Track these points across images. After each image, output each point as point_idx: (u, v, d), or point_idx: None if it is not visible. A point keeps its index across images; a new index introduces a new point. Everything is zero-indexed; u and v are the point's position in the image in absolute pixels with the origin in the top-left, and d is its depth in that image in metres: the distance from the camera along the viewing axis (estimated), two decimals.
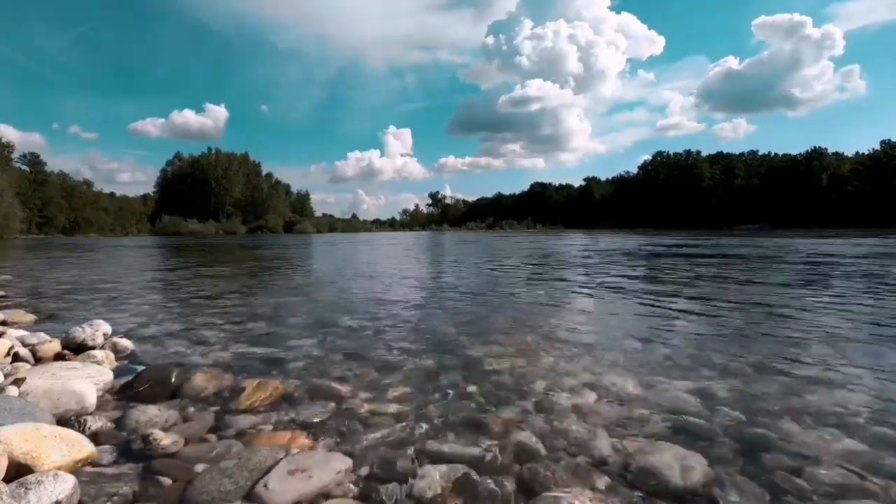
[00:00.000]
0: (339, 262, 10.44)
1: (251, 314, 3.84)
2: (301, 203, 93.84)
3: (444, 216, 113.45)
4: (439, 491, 1.24)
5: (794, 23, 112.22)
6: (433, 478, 1.28)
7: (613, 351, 2.60)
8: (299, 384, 2.04)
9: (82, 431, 1.50)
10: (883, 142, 60.52)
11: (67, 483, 1.14)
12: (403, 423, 1.64)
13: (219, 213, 77.38)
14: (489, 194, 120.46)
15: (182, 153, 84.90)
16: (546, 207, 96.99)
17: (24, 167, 59.42)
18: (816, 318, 3.39)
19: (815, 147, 65.94)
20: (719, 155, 78.12)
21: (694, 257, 9.83)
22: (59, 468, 1.22)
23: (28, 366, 2.15)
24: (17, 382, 1.76)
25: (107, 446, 1.46)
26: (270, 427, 1.63)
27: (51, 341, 2.48)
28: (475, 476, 1.31)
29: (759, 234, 29.13)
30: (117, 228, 65.21)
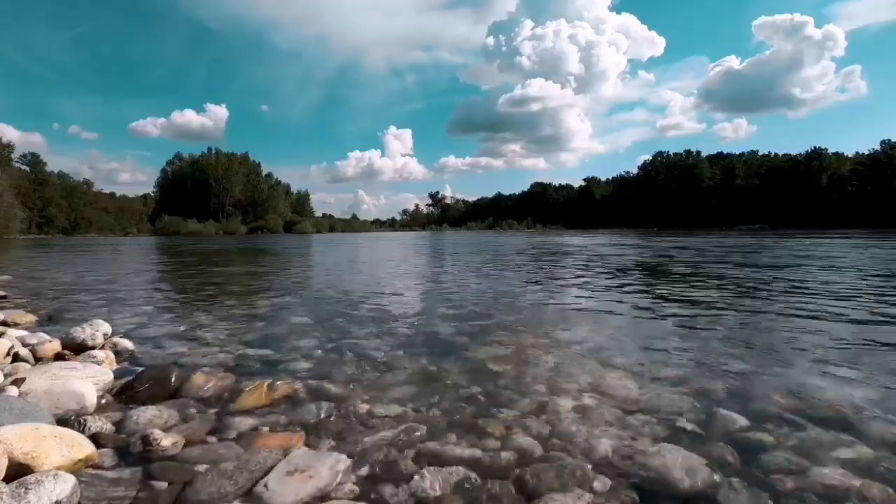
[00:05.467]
0: (340, 263, 10.43)
1: (251, 314, 3.84)
2: (301, 203, 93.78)
3: (444, 216, 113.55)
4: (439, 492, 1.24)
5: (796, 23, 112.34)
6: (433, 479, 1.28)
7: (613, 352, 2.60)
8: (299, 385, 2.03)
9: (82, 432, 1.49)
10: (883, 142, 60.51)
11: (67, 483, 1.14)
12: (403, 425, 1.64)
13: (219, 213, 77.33)
14: (489, 194, 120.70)
15: (182, 153, 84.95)
16: (546, 207, 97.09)
17: (24, 167, 59.47)
18: (818, 319, 3.39)
19: (815, 147, 65.98)
20: (719, 155, 78.21)
21: (694, 257, 9.83)
22: (58, 468, 1.21)
23: (28, 366, 2.15)
24: (17, 382, 1.76)
25: (107, 446, 1.46)
26: (270, 428, 1.63)
27: (51, 341, 2.47)
28: (475, 478, 1.31)
29: (758, 233, 29.11)
30: (117, 228, 65.20)
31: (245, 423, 1.66)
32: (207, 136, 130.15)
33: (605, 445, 1.48)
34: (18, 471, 1.17)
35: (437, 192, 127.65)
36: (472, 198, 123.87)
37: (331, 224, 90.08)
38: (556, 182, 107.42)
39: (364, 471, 1.34)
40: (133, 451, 1.43)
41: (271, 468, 1.31)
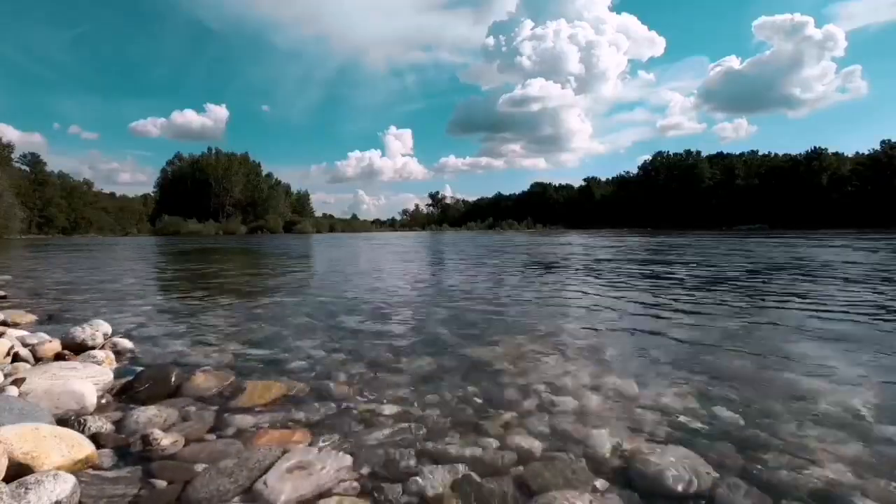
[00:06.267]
0: (340, 263, 10.43)
1: (251, 314, 3.84)
2: (301, 203, 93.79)
3: (444, 216, 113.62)
4: (439, 491, 1.24)
5: (796, 23, 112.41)
6: (433, 478, 1.28)
7: (613, 352, 2.60)
8: (299, 384, 2.04)
9: (82, 431, 1.49)
10: (883, 142, 60.47)
11: (67, 483, 1.14)
12: (404, 424, 1.64)
13: (219, 213, 77.30)
14: (489, 194, 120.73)
15: (182, 153, 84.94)
16: (546, 207, 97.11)
17: (24, 167, 59.49)
18: (817, 319, 3.39)
19: (815, 147, 65.93)
20: (719, 155, 78.19)
21: (693, 257, 9.83)
22: (58, 468, 1.21)
23: (28, 366, 2.15)
24: (17, 382, 1.76)
25: (107, 446, 1.46)
26: (270, 426, 1.63)
27: (51, 341, 2.47)
28: (475, 476, 1.31)
29: (758, 233, 29.11)
30: (117, 228, 65.23)
31: (245, 421, 1.66)
32: (207, 136, 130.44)
33: (604, 445, 1.48)
34: (18, 471, 1.17)
35: (437, 192, 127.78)
36: (472, 198, 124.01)
37: (331, 224, 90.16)
38: (556, 182, 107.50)
39: (364, 469, 1.34)
40: (133, 451, 1.43)
41: (271, 466, 1.31)
